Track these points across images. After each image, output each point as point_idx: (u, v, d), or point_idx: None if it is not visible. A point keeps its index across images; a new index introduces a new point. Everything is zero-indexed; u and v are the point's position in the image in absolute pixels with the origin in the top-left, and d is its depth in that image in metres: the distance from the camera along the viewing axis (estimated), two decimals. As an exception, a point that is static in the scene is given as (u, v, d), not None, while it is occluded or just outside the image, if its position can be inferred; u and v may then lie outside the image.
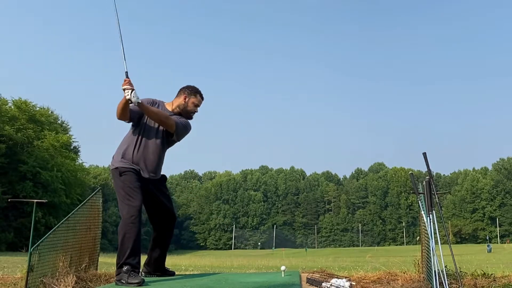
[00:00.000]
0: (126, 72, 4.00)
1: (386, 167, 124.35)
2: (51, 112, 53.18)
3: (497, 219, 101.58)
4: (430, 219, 3.85)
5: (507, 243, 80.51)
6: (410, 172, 5.15)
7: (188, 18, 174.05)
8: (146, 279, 4.09)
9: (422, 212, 4.05)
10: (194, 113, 4.42)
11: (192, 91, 4.40)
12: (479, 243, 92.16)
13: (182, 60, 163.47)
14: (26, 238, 38.50)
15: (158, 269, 4.50)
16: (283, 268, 4.50)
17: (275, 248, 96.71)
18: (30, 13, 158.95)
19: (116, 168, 4.13)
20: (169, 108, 4.36)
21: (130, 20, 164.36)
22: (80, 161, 56.69)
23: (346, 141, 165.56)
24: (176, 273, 4.74)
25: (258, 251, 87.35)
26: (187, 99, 4.36)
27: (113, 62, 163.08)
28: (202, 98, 4.45)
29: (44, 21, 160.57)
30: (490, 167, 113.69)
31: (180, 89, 4.44)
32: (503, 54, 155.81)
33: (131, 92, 3.92)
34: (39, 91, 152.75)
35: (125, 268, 3.86)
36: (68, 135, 53.72)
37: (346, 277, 4.51)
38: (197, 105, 4.41)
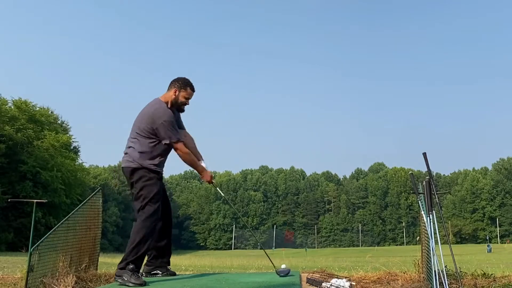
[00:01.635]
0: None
1: (386, 167, 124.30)
2: (51, 112, 53.17)
3: (497, 219, 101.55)
4: (430, 219, 3.85)
5: (507, 243, 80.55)
6: (410, 172, 5.15)
7: (185, 20, 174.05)
8: (146, 279, 4.12)
9: (422, 212, 4.05)
10: (185, 105, 4.45)
11: (182, 84, 4.38)
12: (479, 243, 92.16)
13: (181, 60, 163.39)
14: (26, 238, 38.48)
15: (162, 265, 4.59)
16: (283, 266, 4.51)
17: (275, 248, 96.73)
18: (30, 13, 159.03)
19: (153, 170, 4.25)
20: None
21: (124, 21, 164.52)
22: (80, 161, 56.63)
23: (346, 141, 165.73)
24: (176, 273, 4.74)
25: (258, 251, 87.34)
26: (177, 93, 4.36)
27: (113, 62, 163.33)
28: (193, 90, 4.44)
29: (44, 21, 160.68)
30: (490, 167, 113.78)
31: (171, 82, 4.42)
32: (503, 55, 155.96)
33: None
34: (39, 91, 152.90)
35: (131, 266, 3.95)
36: (68, 135, 53.67)
37: (346, 277, 4.51)
38: (187, 98, 4.41)
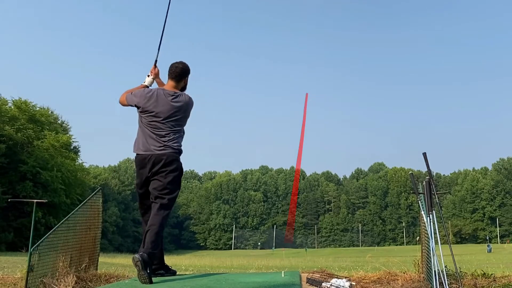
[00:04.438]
0: (156, 60, 4.49)
1: (386, 167, 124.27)
2: (51, 112, 53.15)
3: (497, 219, 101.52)
4: (430, 219, 3.85)
5: (507, 243, 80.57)
6: (410, 172, 5.15)
7: (186, 20, 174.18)
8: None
9: (422, 212, 4.05)
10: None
11: (186, 75, 4.61)
12: (479, 243, 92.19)
13: (182, 60, 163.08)
14: (26, 238, 38.44)
15: (165, 265, 4.64)
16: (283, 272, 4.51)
17: (275, 248, 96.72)
18: (29, 13, 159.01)
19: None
20: (173, 91, 4.46)
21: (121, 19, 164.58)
22: (80, 161, 56.56)
23: (346, 141, 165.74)
24: (177, 272, 4.74)
25: (258, 251, 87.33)
26: (186, 80, 4.63)
27: (113, 62, 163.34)
28: (189, 71, 4.63)
29: (44, 24, 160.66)
30: (490, 167, 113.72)
31: (174, 74, 4.52)
32: (503, 55, 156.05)
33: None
34: (39, 91, 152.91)
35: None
36: (68, 135, 53.61)
37: (346, 277, 4.51)
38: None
